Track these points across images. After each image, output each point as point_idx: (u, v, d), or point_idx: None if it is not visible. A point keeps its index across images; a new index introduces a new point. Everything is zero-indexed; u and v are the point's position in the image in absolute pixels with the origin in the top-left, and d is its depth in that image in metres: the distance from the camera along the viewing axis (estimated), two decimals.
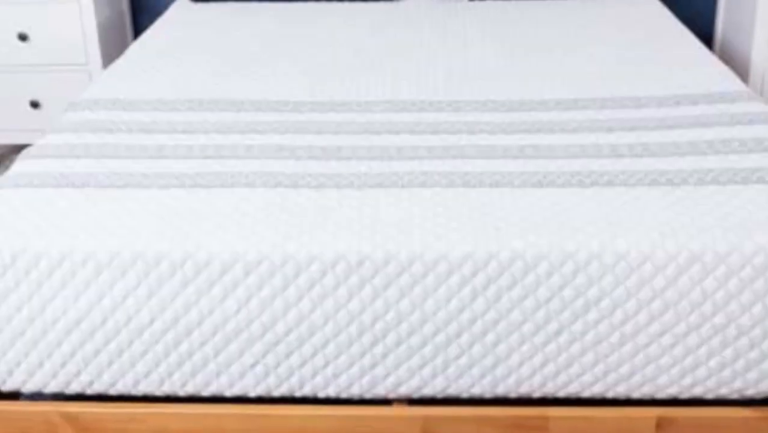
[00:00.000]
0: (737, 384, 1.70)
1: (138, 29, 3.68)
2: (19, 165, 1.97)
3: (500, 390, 1.72)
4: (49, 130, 2.15)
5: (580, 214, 1.72)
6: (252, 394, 1.74)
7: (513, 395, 1.73)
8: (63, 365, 1.72)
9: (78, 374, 1.72)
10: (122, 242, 1.66)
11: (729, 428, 1.68)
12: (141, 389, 1.74)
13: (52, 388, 1.74)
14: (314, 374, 1.71)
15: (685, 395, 1.72)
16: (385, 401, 1.75)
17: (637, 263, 1.63)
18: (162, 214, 1.74)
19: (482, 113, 2.18)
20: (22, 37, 3.26)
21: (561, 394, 1.73)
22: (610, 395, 1.72)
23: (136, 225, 1.71)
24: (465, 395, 1.73)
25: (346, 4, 3.22)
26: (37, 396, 1.81)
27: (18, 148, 3.61)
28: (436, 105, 2.23)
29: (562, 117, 2.14)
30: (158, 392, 1.74)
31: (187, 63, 2.58)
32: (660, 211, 1.73)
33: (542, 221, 1.69)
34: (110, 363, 1.71)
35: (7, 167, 3.47)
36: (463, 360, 1.69)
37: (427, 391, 1.72)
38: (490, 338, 1.67)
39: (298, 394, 1.74)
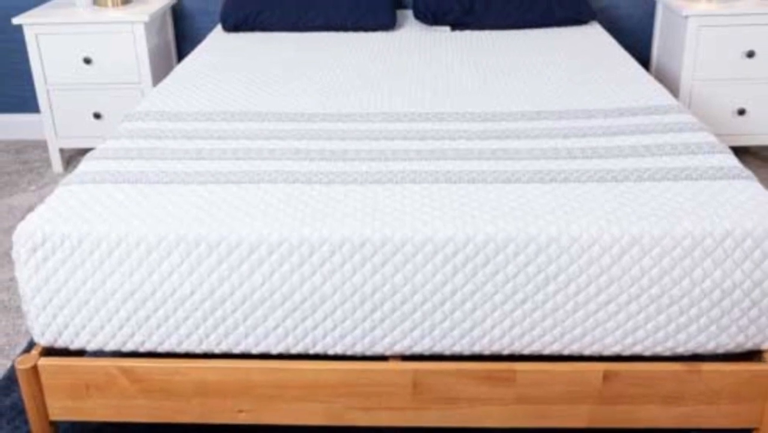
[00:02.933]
0: (669, 344, 1.69)
1: (181, 54, 3.67)
2: (84, 165, 1.95)
3: (476, 348, 1.71)
4: (109, 137, 2.13)
5: (541, 204, 1.71)
6: (274, 351, 1.73)
7: (487, 352, 1.72)
8: (120, 328, 1.71)
9: (132, 335, 1.72)
10: (168, 228, 1.65)
11: (662, 379, 1.67)
12: (183, 348, 1.73)
13: (111, 347, 1.74)
14: (324, 336, 1.70)
15: (627, 353, 1.71)
16: (382, 358, 1.74)
17: (588, 245, 1.62)
18: (201, 204, 1.73)
19: (461, 123, 2.17)
20: (87, 61, 3.25)
21: (526, 351, 1.72)
22: (566, 352, 1.72)
23: (179, 214, 1.70)
24: (448, 352, 1.72)
25: (351, 35, 3.20)
26: (98, 353, 1.81)
27: (83, 152, 3.61)
28: (424, 116, 2.21)
29: (527, 126, 2.13)
30: (198, 350, 1.73)
31: (222, 82, 2.57)
32: (606, 202, 1.72)
33: (510, 210, 1.69)
34: (158, 326, 1.70)
35: (74, 167, 3.46)
36: (446, 324, 1.68)
37: (417, 349, 1.72)
38: (468, 306, 1.66)
39: (311, 351, 1.73)
